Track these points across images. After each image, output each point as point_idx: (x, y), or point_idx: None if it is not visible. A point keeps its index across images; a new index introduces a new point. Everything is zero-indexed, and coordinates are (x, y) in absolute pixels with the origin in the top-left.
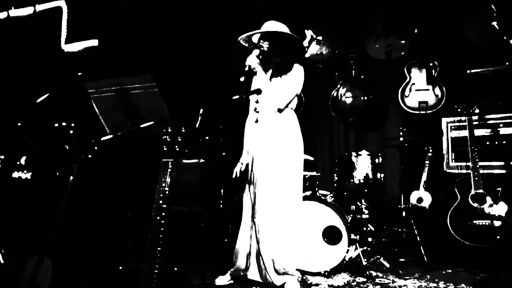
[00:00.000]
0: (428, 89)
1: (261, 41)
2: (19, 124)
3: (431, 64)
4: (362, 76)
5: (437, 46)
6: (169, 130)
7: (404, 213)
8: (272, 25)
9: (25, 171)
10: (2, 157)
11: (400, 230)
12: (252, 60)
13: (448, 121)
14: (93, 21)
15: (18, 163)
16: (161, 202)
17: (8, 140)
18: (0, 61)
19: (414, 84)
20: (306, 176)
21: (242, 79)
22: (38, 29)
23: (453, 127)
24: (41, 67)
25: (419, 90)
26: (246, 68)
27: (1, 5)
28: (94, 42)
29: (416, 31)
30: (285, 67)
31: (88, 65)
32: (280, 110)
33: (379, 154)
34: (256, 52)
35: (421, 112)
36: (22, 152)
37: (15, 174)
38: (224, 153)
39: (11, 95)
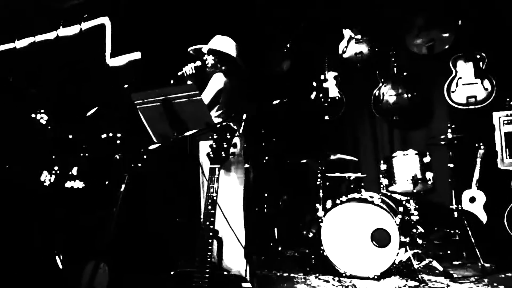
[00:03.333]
0: (476, 83)
1: (207, 55)
2: (70, 136)
3: (478, 56)
4: (405, 73)
5: (484, 37)
6: (215, 137)
7: (456, 214)
8: (220, 41)
9: (77, 181)
10: (56, 168)
11: (452, 231)
12: (189, 69)
13: (500, 115)
14: (135, 34)
15: (70, 173)
16: (209, 207)
17: (60, 152)
18: (51, 78)
19: (460, 78)
20: (351, 178)
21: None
22: (85, 46)
23: (506, 122)
24: (89, 82)
25: (466, 84)
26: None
27: (51, 25)
28: (137, 55)
29: (460, 23)
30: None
31: (132, 77)
32: None
33: (427, 153)
34: (198, 63)
35: (470, 107)
36: (74, 162)
37: (68, 184)
38: (266, 158)
39: (63, 109)
